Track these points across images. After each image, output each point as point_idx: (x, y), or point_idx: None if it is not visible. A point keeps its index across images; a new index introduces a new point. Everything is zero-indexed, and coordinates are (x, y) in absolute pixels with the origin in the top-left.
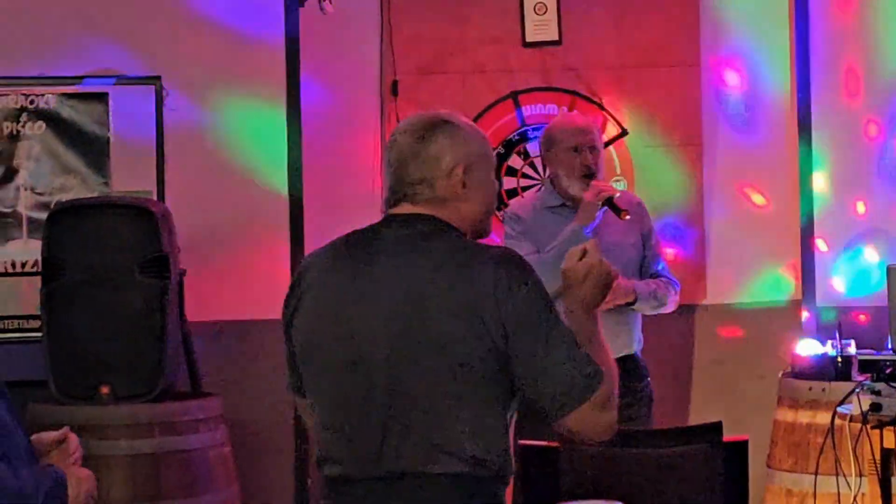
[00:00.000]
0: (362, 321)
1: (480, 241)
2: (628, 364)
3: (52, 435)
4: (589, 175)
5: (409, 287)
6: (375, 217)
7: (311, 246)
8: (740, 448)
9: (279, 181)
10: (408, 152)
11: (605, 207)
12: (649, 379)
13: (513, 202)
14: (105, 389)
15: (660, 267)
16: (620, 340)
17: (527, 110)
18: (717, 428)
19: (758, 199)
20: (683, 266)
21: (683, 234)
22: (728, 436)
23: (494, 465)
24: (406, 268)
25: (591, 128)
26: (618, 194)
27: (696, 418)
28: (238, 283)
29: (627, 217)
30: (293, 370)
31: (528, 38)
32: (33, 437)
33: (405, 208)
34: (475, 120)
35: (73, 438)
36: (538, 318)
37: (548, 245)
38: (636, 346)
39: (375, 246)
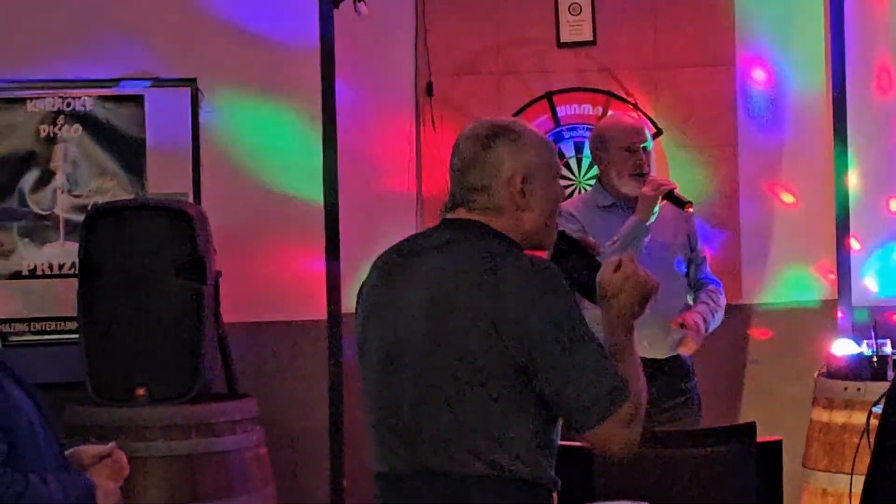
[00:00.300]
0: (397, 323)
1: (538, 253)
2: (675, 365)
3: (98, 449)
4: (641, 174)
5: (437, 293)
6: (409, 219)
7: (345, 247)
8: (774, 448)
9: (314, 183)
10: (469, 158)
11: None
12: (696, 380)
13: (564, 203)
14: (141, 391)
15: (705, 274)
16: (668, 342)
17: (561, 111)
18: (750, 428)
19: (791, 198)
20: (717, 266)
21: (717, 234)
22: (763, 436)
23: (524, 473)
24: (437, 273)
25: (643, 127)
26: (677, 188)
27: (730, 419)
28: (273, 284)
29: (691, 209)
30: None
31: (563, 39)
32: (78, 448)
33: (459, 213)
34: None
35: (122, 456)
36: (562, 331)
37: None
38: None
39: (418, 250)
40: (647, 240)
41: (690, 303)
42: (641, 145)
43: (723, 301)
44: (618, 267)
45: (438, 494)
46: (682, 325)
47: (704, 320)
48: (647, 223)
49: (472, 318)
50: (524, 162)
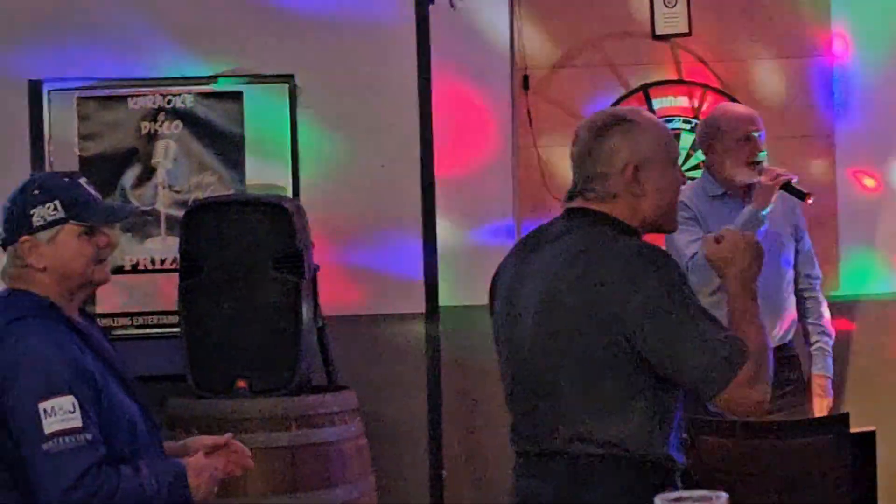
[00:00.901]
0: (519, 309)
1: (662, 234)
2: (783, 354)
3: (213, 439)
4: (757, 162)
5: (547, 284)
6: (506, 212)
7: (443, 241)
8: (868, 439)
9: (411, 176)
10: (585, 148)
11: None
12: (804, 370)
13: None
14: (242, 383)
15: (813, 272)
16: (775, 331)
17: (657, 103)
18: (843, 419)
19: (889, 188)
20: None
21: (815, 225)
22: (859, 427)
23: (639, 453)
24: (548, 264)
25: (756, 116)
26: (795, 178)
27: (832, 410)
28: (372, 277)
29: (811, 200)
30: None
31: (658, 31)
32: (196, 437)
33: (577, 202)
34: None
35: (240, 446)
36: (667, 307)
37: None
38: (790, 336)
39: (539, 238)
40: (763, 229)
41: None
42: (757, 133)
43: (832, 339)
44: (718, 239)
45: (560, 473)
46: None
47: (828, 377)
48: (764, 213)
49: (575, 303)
50: (638, 150)
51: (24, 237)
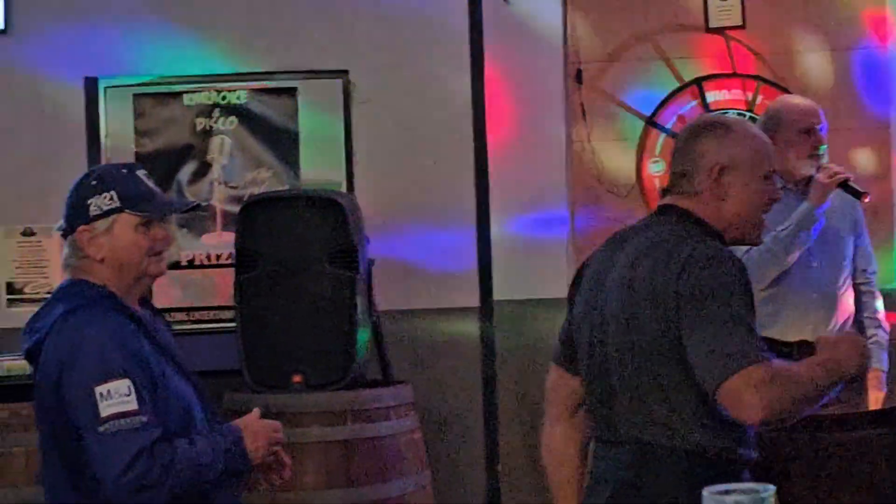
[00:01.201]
0: (601, 301)
1: (746, 246)
2: None
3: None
4: (818, 155)
5: (626, 270)
6: (561, 205)
7: (496, 235)
8: None
9: (465, 170)
10: (680, 147)
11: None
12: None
13: None
14: (297, 378)
15: (870, 267)
16: (831, 326)
17: (710, 96)
18: None
19: None
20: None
21: (872, 217)
22: None
23: (701, 444)
24: (631, 252)
25: (817, 108)
26: (852, 177)
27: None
28: (426, 272)
29: (867, 199)
30: (561, 342)
31: (712, 24)
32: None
33: (667, 199)
34: (659, 106)
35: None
36: (705, 295)
37: (773, 225)
38: (848, 327)
39: (627, 232)
40: (820, 226)
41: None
42: (818, 126)
43: (887, 333)
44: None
45: (626, 460)
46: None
47: (883, 371)
48: (820, 211)
49: (644, 296)
50: (727, 154)
51: (82, 227)
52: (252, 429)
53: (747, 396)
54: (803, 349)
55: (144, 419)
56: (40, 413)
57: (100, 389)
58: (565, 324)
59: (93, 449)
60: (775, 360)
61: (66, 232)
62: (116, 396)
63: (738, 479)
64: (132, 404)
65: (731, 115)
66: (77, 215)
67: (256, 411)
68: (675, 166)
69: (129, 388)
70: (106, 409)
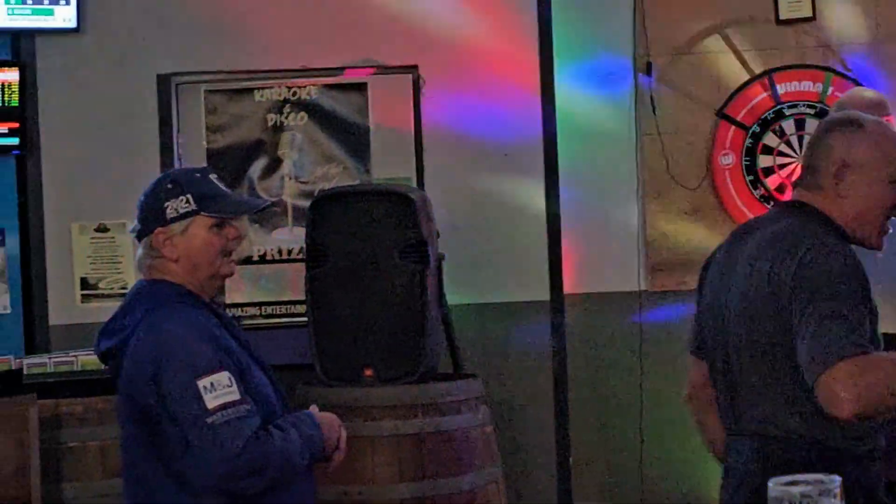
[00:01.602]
0: (725, 293)
1: (869, 248)
2: None
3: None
4: None
5: (747, 265)
6: (630, 199)
7: (566, 227)
8: None
9: (534, 164)
10: (812, 141)
11: None
12: None
13: None
14: (369, 372)
15: None
16: None
17: (781, 88)
18: None
19: None
20: None
21: None
22: None
23: (813, 438)
24: (753, 245)
25: (886, 101)
26: None
27: None
28: (497, 266)
29: None
30: (694, 332)
31: (782, 16)
32: None
33: (794, 193)
34: (730, 98)
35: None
36: (812, 291)
37: None
38: None
39: (751, 225)
40: None
41: None
42: (886, 118)
43: None
44: None
45: (747, 453)
46: None
47: None
48: None
49: (763, 288)
50: (852, 152)
51: (159, 229)
52: (325, 421)
53: (838, 391)
54: None
55: (248, 406)
56: (128, 409)
57: (202, 383)
58: (696, 314)
59: (202, 439)
60: (874, 354)
61: (141, 234)
62: (220, 388)
63: (866, 470)
64: (235, 394)
65: (854, 112)
66: (154, 218)
67: (314, 408)
68: (805, 159)
69: (229, 379)
70: (212, 401)
